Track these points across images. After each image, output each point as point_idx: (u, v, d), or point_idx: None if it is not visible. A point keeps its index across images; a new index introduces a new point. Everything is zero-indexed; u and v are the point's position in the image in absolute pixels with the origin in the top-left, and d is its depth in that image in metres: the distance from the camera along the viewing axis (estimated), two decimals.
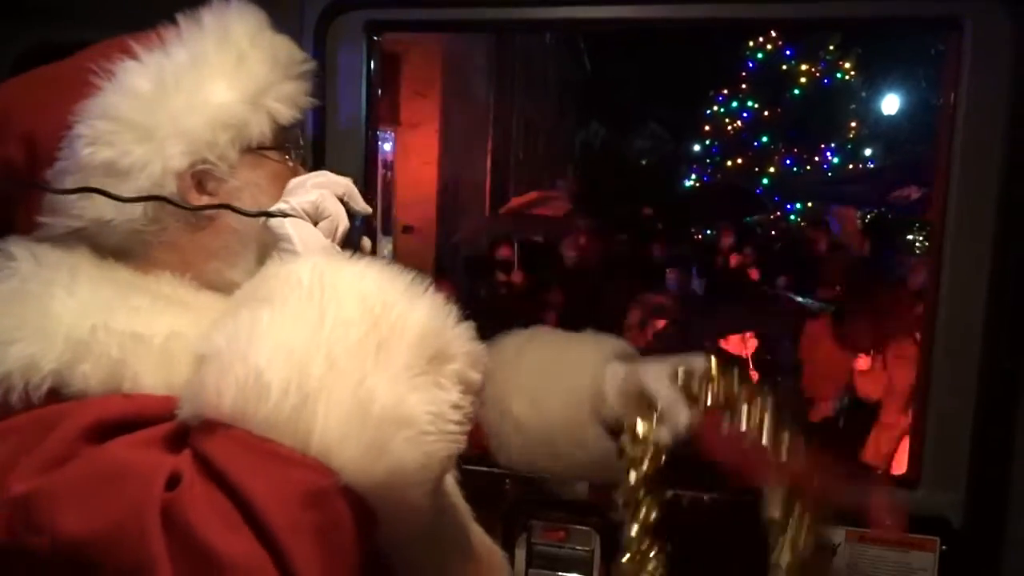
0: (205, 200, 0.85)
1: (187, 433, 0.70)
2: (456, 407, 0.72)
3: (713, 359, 0.97)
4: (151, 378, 0.75)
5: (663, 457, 0.96)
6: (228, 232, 0.87)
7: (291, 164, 0.94)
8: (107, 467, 0.66)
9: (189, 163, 0.84)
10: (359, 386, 0.68)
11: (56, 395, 0.72)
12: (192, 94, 0.85)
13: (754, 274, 6.59)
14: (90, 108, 0.83)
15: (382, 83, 1.64)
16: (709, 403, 0.95)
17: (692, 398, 0.96)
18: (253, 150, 0.88)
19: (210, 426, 0.67)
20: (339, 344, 0.69)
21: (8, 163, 0.85)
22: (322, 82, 0.99)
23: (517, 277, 5.91)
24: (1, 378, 0.72)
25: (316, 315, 0.70)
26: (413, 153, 8.91)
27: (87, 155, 0.82)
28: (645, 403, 0.99)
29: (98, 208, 0.82)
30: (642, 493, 0.96)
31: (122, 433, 0.69)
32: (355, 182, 0.92)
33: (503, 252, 6.18)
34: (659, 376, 1.00)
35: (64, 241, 0.84)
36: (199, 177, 0.85)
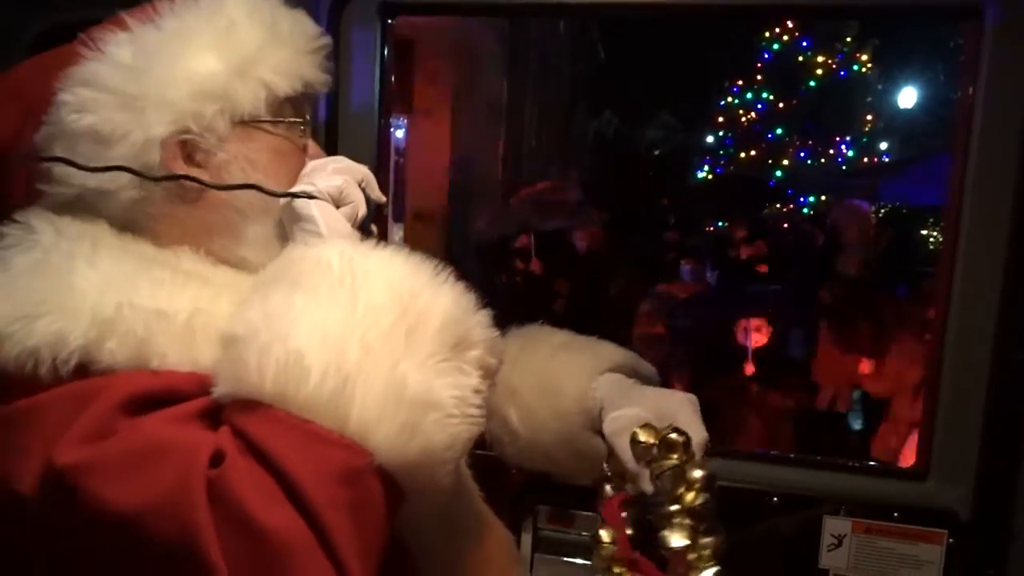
0: (195, 171, 0.86)
1: (219, 409, 0.72)
2: (477, 391, 0.75)
3: (658, 432, 0.98)
4: (176, 355, 0.77)
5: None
6: (224, 207, 0.88)
7: (300, 141, 0.94)
8: (150, 442, 0.69)
9: (171, 132, 0.84)
10: (392, 370, 0.71)
11: (84, 370, 0.74)
12: (174, 63, 0.85)
13: (764, 268, 6.55)
14: (75, 76, 0.84)
15: (395, 68, 1.64)
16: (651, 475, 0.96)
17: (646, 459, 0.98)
18: (246, 122, 0.88)
19: (249, 405, 0.70)
20: (372, 329, 0.72)
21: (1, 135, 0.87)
22: (335, 66, 0.99)
23: (534, 265, 5.90)
24: (30, 351, 0.73)
25: (348, 300, 0.73)
26: (425, 140, 8.89)
27: (71, 121, 0.83)
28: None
29: (81, 175, 0.82)
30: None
31: (155, 407, 0.71)
32: (368, 167, 0.93)
33: (521, 240, 6.16)
34: (621, 434, 1.02)
35: (83, 213, 0.86)
36: (186, 147, 0.86)
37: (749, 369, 3.95)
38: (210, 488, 0.64)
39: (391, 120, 1.63)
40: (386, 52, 1.57)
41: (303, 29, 0.93)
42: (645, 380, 1.20)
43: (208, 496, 0.64)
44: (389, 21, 1.57)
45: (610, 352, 1.19)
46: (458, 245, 8.82)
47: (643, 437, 0.98)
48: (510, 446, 1.21)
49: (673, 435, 0.96)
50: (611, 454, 1.05)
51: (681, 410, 1.04)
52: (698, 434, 1.01)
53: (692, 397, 1.08)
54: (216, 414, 0.72)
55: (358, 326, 0.71)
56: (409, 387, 0.70)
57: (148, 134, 0.83)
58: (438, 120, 9.11)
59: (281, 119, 0.91)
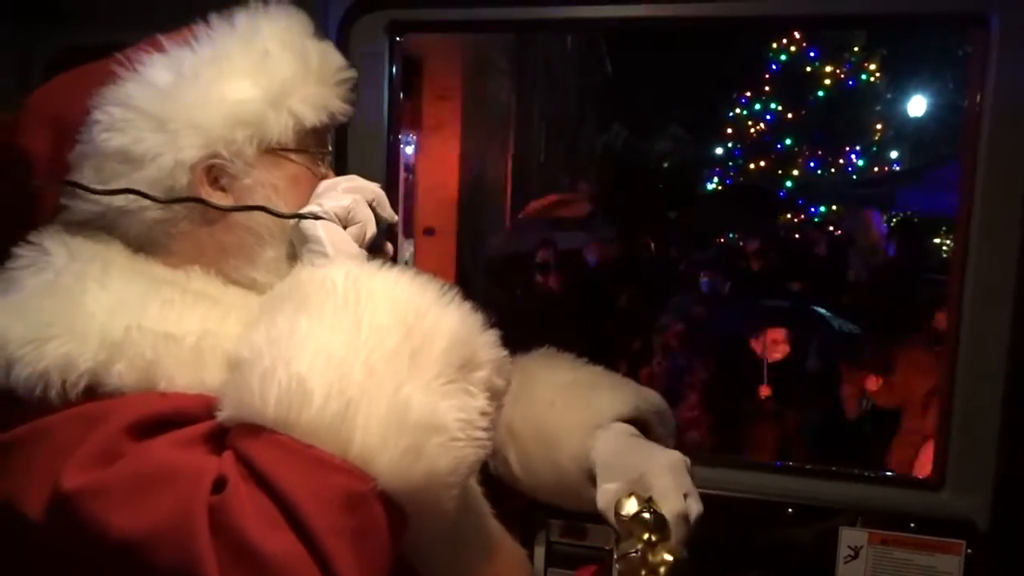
0: (218, 195, 0.87)
1: (225, 432, 0.72)
2: (483, 413, 0.74)
3: (637, 508, 0.93)
4: (184, 378, 0.77)
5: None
6: (242, 229, 0.88)
7: (322, 170, 0.95)
8: (155, 467, 0.69)
9: (201, 157, 0.85)
10: (396, 393, 0.70)
11: (92, 392, 0.74)
12: (209, 89, 0.86)
13: (777, 279, 6.53)
14: (109, 95, 0.85)
15: (404, 86, 1.65)
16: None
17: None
18: (273, 150, 0.89)
19: (252, 429, 0.70)
20: (376, 352, 0.71)
21: (35, 152, 0.87)
22: (352, 92, 0.99)
23: (551, 281, 5.88)
24: (40, 375, 0.74)
25: (352, 322, 0.72)
26: (434, 156, 8.94)
27: (102, 140, 0.84)
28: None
29: (115, 195, 0.83)
30: None
31: (162, 430, 0.71)
32: (378, 185, 0.93)
33: (542, 255, 6.14)
34: (608, 501, 1.00)
35: (96, 234, 0.86)
36: (213, 172, 0.86)
37: (766, 383, 3.92)
38: (212, 515, 0.64)
39: (400, 137, 1.64)
40: (395, 69, 1.58)
41: (331, 61, 0.94)
42: (654, 420, 1.17)
43: (210, 523, 0.64)
44: (398, 39, 1.58)
45: (609, 402, 1.14)
46: (468, 260, 8.85)
47: (625, 510, 0.93)
48: (513, 483, 1.19)
49: (645, 513, 0.92)
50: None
51: (660, 479, 0.98)
52: (672, 508, 0.95)
53: (678, 461, 1.02)
54: (222, 437, 0.72)
55: (362, 348, 0.71)
56: (413, 410, 0.70)
57: (179, 157, 0.84)
58: (447, 136, 9.16)
59: (305, 149, 0.92)
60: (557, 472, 1.13)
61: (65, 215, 0.87)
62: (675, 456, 1.04)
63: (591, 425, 1.11)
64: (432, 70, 8.37)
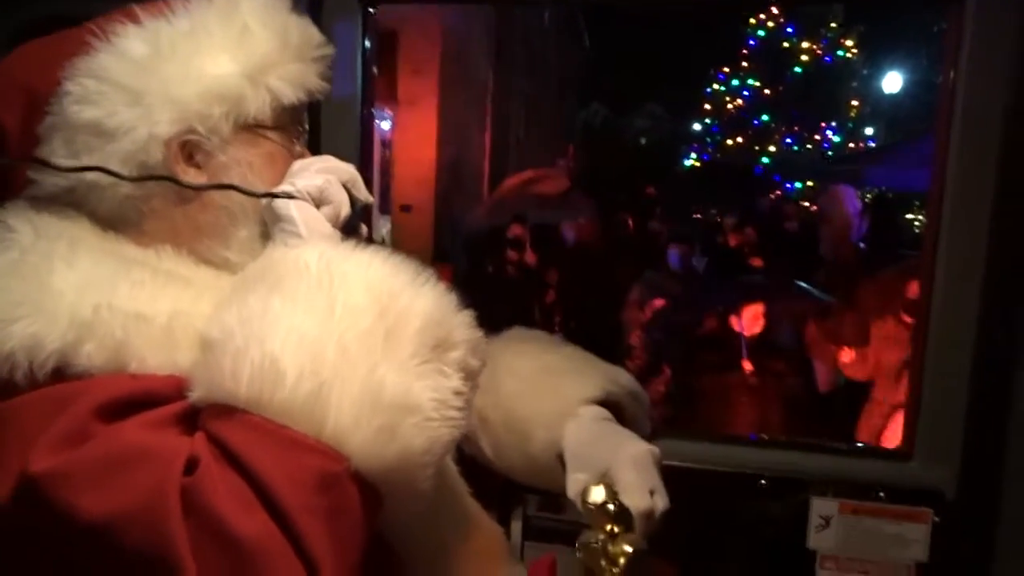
0: (192, 172, 0.85)
1: (197, 413, 0.71)
2: (458, 393, 0.74)
3: (602, 499, 0.93)
4: (155, 358, 0.76)
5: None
6: (216, 208, 0.87)
7: (297, 149, 0.93)
8: (125, 449, 0.67)
9: (177, 132, 0.83)
10: (370, 374, 0.69)
11: (60, 374, 0.73)
12: (187, 62, 0.84)
13: (753, 255, 6.58)
14: (82, 66, 0.83)
15: (379, 60, 1.62)
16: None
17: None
18: (250, 127, 0.87)
19: (225, 410, 0.69)
20: (350, 332, 0.70)
21: (3, 124, 0.85)
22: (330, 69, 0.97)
23: (527, 256, 5.87)
24: (6, 356, 0.72)
25: (326, 303, 0.72)
26: (411, 132, 8.86)
27: (74, 112, 0.82)
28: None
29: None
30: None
31: (132, 412, 0.70)
32: (351, 159, 0.92)
33: (511, 231, 6.13)
34: (576, 491, 0.99)
35: (63, 211, 0.84)
36: (187, 148, 0.85)
37: (743, 356, 3.96)
38: (184, 496, 0.64)
39: (377, 112, 1.62)
40: (367, 43, 1.56)
41: (310, 37, 0.92)
42: (626, 400, 1.17)
43: (182, 504, 0.63)
44: (370, 10, 1.55)
45: (578, 388, 1.14)
46: (445, 237, 8.81)
47: (591, 499, 0.93)
48: (488, 466, 1.19)
49: (610, 504, 0.91)
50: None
51: (625, 474, 0.98)
52: (636, 503, 0.95)
53: (644, 454, 1.01)
54: (194, 418, 0.71)
55: (335, 329, 0.70)
56: (387, 390, 0.69)
57: (153, 131, 0.82)
58: (424, 112, 9.08)
59: (282, 127, 0.91)
60: (529, 461, 1.14)
61: (32, 189, 0.84)
62: (642, 449, 1.03)
63: (560, 414, 1.11)
64: (408, 44, 8.27)
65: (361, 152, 1.56)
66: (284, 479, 0.65)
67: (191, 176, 0.85)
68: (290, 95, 0.89)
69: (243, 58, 0.86)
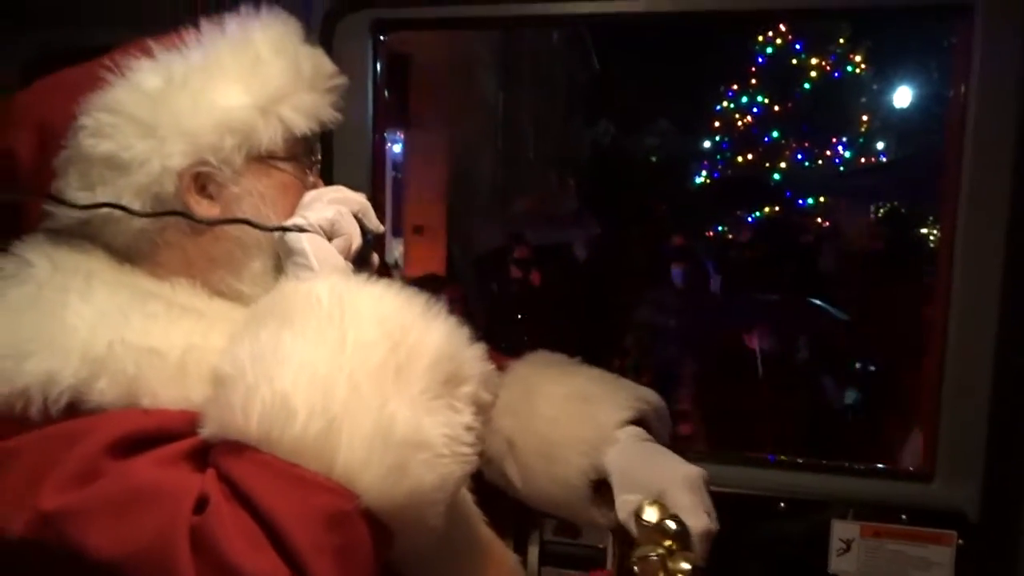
0: (205, 204, 0.86)
1: (208, 449, 0.71)
2: (469, 428, 0.73)
3: (663, 510, 0.95)
4: (167, 394, 0.75)
5: None
6: (229, 240, 0.87)
7: (310, 179, 0.93)
8: (136, 487, 0.67)
9: (189, 164, 0.84)
10: (381, 410, 0.69)
11: (74, 409, 0.73)
12: (199, 95, 0.85)
13: (766, 271, 6.55)
14: (96, 100, 0.84)
15: (390, 84, 1.64)
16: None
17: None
18: (262, 158, 0.88)
19: (235, 447, 0.68)
20: (361, 368, 0.70)
21: (19, 157, 0.86)
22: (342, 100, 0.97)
23: (534, 277, 5.87)
24: (20, 391, 0.72)
25: (337, 337, 0.71)
26: (423, 154, 8.92)
27: (88, 146, 0.82)
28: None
29: (87, 200, 0.82)
30: None
31: (144, 448, 0.70)
32: (363, 183, 0.92)
33: (520, 252, 6.14)
34: (629, 512, 0.99)
35: (80, 244, 0.85)
36: (200, 180, 0.85)
37: (758, 372, 3.93)
38: (193, 535, 0.63)
39: (389, 136, 1.63)
40: (379, 68, 1.57)
41: (323, 68, 0.93)
42: (652, 418, 1.15)
43: (191, 543, 0.63)
44: (382, 37, 1.57)
45: (612, 412, 1.12)
46: (457, 258, 8.83)
47: (647, 516, 0.95)
48: (510, 491, 1.18)
49: (670, 522, 0.93)
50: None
51: (683, 497, 0.98)
52: (696, 524, 0.95)
53: (697, 477, 1.01)
54: (205, 454, 0.71)
55: (346, 365, 0.69)
56: (398, 427, 0.69)
57: (166, 164, 0.83)
58: (436, 134, 9.14)
59: (294, 157, 0.91)
60: (560, 486, 1.11)
61: (49, 222, 0.85)
62: (694, 472, 1.02)
63: (598, 439, 1.09)
64: (419, 67, 8.35)
65: (373, 175, 1.57)
66: (294, 518, 0.64)
67: (204, 207, 0.85)
68: (302, 126, 0.89)
69: (256, 89, 0.87)
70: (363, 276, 0.80)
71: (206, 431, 0.70)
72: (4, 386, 0.72)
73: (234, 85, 0.86)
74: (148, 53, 0.87)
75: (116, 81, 0.84)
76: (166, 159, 0.83)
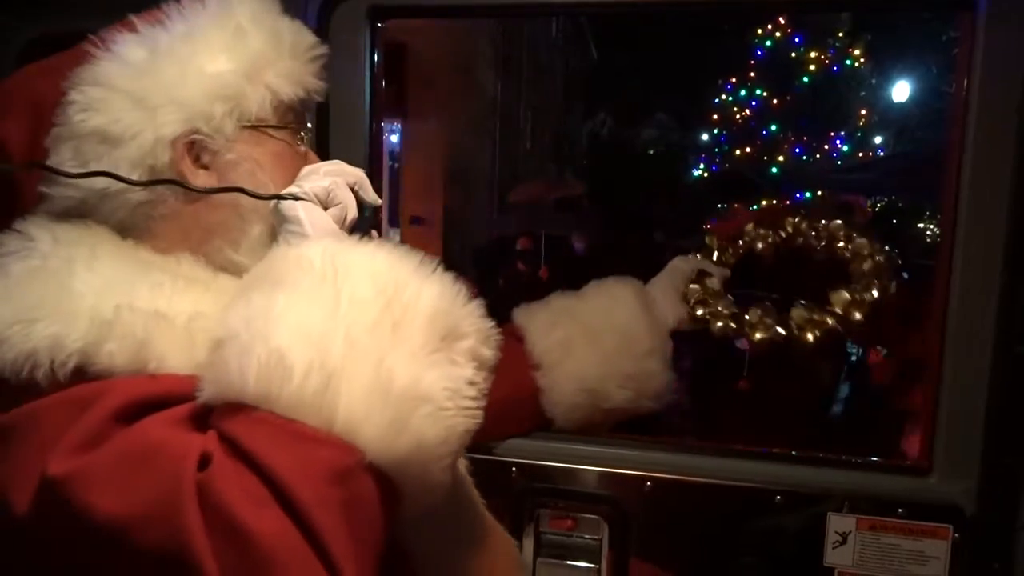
0: (201, 173, 0.86)
1: (210, 411, 0.71)
2: (471, 383, 0.73)
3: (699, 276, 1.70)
4: (175, 358, 0.76)
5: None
6: (226, 207, 0.88)
7: (301, 148, 0.94)
8: (140, 447, 0.67)
9: (181, 132, 0.84)
10: (379, 365, 0.69)
11: (82, 373, 0.73)
12: (186, 64, 0.85)
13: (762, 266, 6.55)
14: (84, 75, 0.84)
15: (387, 73, 1.63)
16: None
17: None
18: (254, 126, 0.89)
19: (234, 408, 0.68)
20: (356, 324, 0.70)
21: (11, 138, 0.86)
22: (326, 70, 0.99)
23: (533, 268, 5.87)
24: (28, 355, 0.72)
25: (331, 296, 0.71)
26: (420, 144, 8.89)
27: (79, 121, 0.83)
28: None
29: (95, 178, 0.82)
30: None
31: (150, 413, 0.70)
32: (362, 170, 0.92)
33: (520, 243, 6.14)
34: (670, 296, 1.66)
35: (81, 221, 0.85)
36: (194, 149, 0.86)
37: (746, 373, 3.92)
38: (198, 492, 0.63)
39: (385, 125, 1.62)
40: (376, 56, 1.56)
41: (302, 38, 0.94)
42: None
43: (197, 500, 0.63)
44: (379, 25, 1.56)
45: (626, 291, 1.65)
46: (454, 249, 8.83)
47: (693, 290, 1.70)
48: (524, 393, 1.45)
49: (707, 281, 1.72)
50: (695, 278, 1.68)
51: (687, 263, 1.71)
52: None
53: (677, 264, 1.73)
54: (208, 417, 0.71)
55: (342, 322, 0.69)
56: (397, 381, 0.68)
57: (159, 133, 0.83)
58: (433, 125, 9.12)
59: (284, 125, 0.92)
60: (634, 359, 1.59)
61: (47, 204, 0.85)
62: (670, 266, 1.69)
63: (633, 302, 1.61)
64: (417, 57, 8.32)
65: (370, 165, 1.56)
66: (296, 474, 0.64)
67: (200, 177, 0.86)
68: (288, 92, 0.90)
69: (239, 57, 0.88)
70: (355, 238, 0.80)
71: (204, 394, 0.70)
72: (11, 350, 0.72)
73: (219, 54, 0.87)
74: (132, 28, 0.87)
75: (102, 55, 0.85)
76: (158, 129, 0.83)
